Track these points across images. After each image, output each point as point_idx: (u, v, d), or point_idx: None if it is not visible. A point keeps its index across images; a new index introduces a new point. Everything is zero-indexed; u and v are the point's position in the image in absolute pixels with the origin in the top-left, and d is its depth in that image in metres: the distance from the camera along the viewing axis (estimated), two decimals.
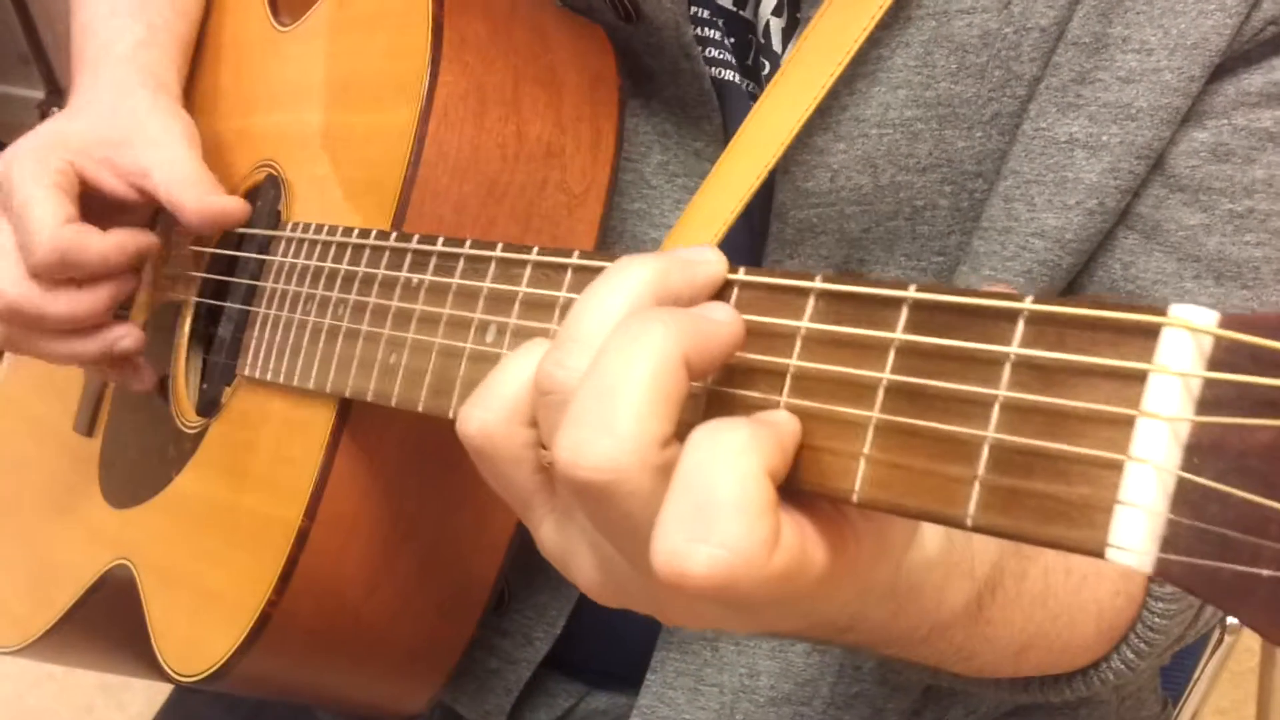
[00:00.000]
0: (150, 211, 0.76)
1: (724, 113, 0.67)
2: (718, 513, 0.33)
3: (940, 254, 0.64)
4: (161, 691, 0.88)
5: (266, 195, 0.72)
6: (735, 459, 0.34)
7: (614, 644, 0.74)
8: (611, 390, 0.35)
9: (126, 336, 0.75)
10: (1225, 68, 0.58)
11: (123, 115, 0.74)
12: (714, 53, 0.67)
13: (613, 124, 0.65)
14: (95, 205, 0.73)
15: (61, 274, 0.71)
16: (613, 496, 0.35)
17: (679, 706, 0.70)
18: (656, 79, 0.68)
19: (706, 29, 0.66)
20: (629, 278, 0.38)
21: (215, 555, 0.67)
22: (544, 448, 0.39)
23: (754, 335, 0.38)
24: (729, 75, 0.67)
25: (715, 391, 0.39)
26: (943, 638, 0.50)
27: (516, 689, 0.74)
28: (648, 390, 0.35)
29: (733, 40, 0.67)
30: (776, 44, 0.66)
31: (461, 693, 0.75)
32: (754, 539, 0.33)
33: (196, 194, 0.71)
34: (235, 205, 0.72)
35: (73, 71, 0.79)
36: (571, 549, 0.41)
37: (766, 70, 0.66)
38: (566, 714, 0.77)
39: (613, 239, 0.68)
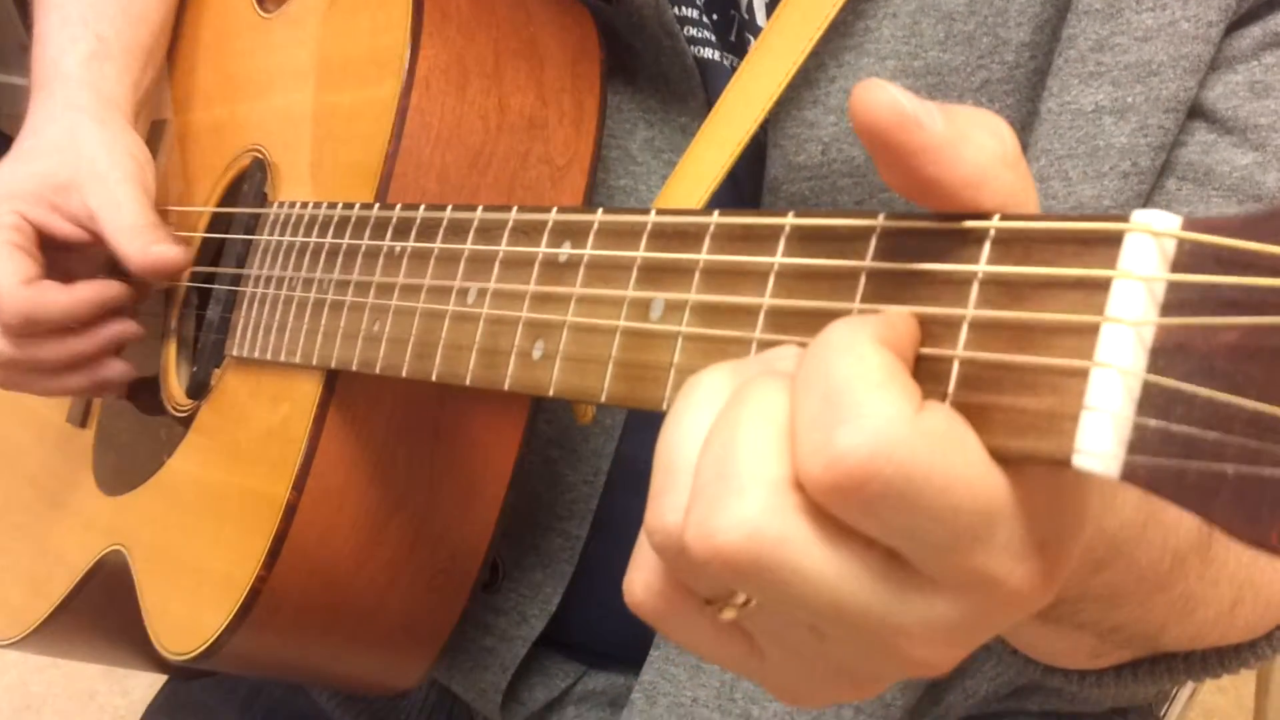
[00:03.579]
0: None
1: (707, 90, 0.67)
2: (843, 393, 0.30)
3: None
4: (163, 678, 0.88)
5: (253, 179, 0.72)
6: (848, 342, 0.31)
7: (611, 623, 0.74)
8: (722, 465, 0.32)
9: (113, 369, 0.76)
10: (1248, 16, 0.58)
11: (70, 151, 0.75)
12: (694, 31, 0.67)
13: (595, 97, 0.66)
14: (57, 244, 0.75)
15: (31, 332, 0.72)
16: (767, 560, 0.31)
17: (680, 683, 0.70)
18: (640, 56, 0.68)
19: (685, 7, 0.66)
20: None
21: (206, 534, 0.67)
22: (708, 603, 0.35)
23: (728, 275, 0.39)
24: (710, 53, 0.67)
25: (693, 334, 0.39)
26: (1180, 571, 0.46)
27: (512, 667, 0.73)
28: (762, 452, 0.31)
29: (715, 17, 0.67)
30: (760, 19, 0.66)
31: (457, 671, 0.75)
32: (891, 403, 0.30)
33: (140, 244, 0.72)
34: (176, 255, 0.73)
35: (31, 87, 0.80)
36: (794, 668, 0.36)
37: (751, 45, 0.66)
38: (564, 694, 0.76)
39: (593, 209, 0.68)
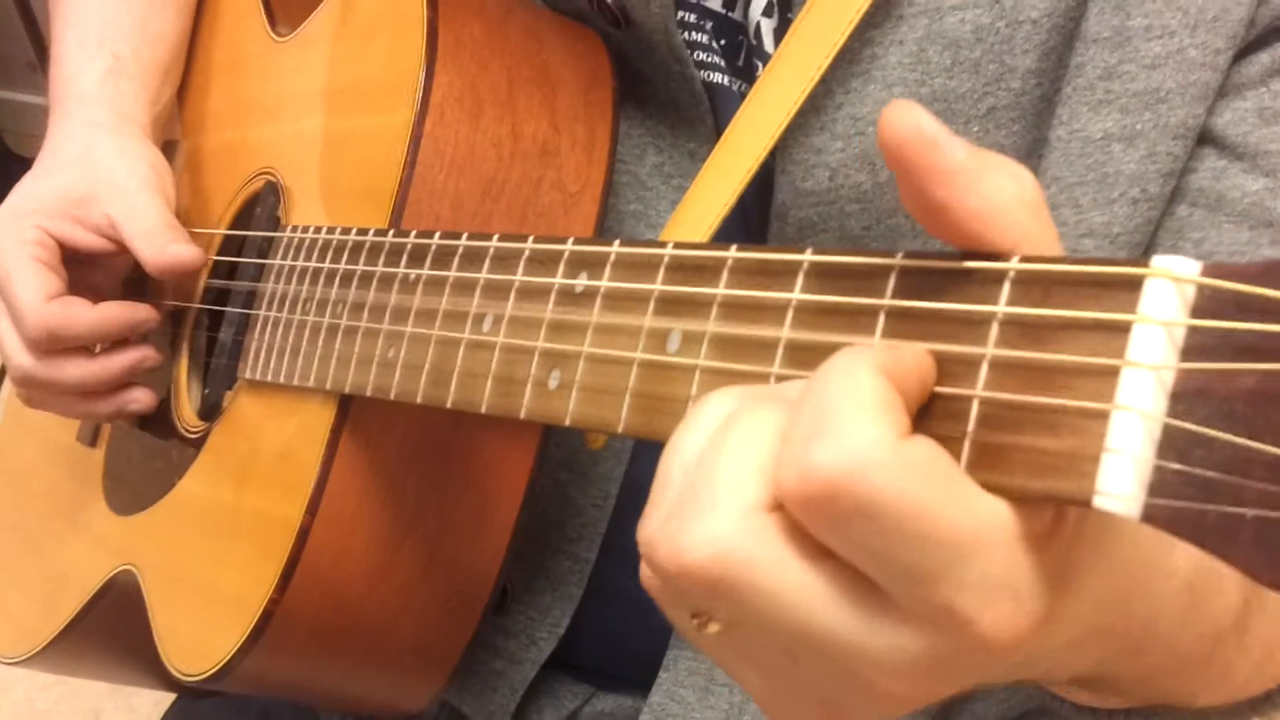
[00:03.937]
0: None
1: (716, 115, 0.67)
2: (830, 411, 0.31)
3: (947, 249, 0.64)
4: (171, 695, 0.88)
5: (266, 202, 0.72)
6: (846, 365, 0.32)
7: (620, 645, 0.74)
8: (701, 483, 0.33)
9: (139, 400, 0.77)
10: (1257, 43, 0.59)
11: (88, 165, 0.76)
12: (703, 56, 0.67)
13: (607, 124, 0.66)
14: (81, 258, 0.76)
15: (55, 347, 0.73)
16: (734, 578, 0.32)
17: (689, 705, 0.70)
18: (650, 82, 0.69)
19: (695, 33, 0.67)
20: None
21: (218, 556, 0.67)
22: (694, 616, 0.35)
23: (746, 309, 0.39)
24: (719, 78, 0.67)
25: (710, 367, 0.40)
26: (1220, 649, 0.46)
27: (521, 689, 0.74)
28: (740, 473, 0.32)
29: (723, 42, 0.67)
30: (769, 45, 0.66)
31: (466, 693, 0.75)
32: (873, 425, 0.30)
33: (158, 245, 0.73)
34: (193, 255, 0.73)
35: (50, 105, 0.81)
36: (782, 691, 0.36)
37: (759, 71, 0.67)
38: (572, 715, 0.76)
39: (609, 240, 0.68)
